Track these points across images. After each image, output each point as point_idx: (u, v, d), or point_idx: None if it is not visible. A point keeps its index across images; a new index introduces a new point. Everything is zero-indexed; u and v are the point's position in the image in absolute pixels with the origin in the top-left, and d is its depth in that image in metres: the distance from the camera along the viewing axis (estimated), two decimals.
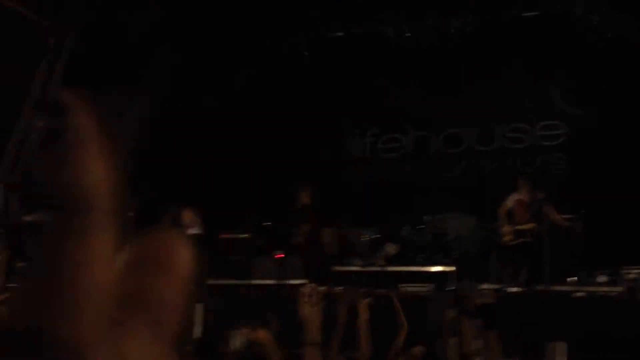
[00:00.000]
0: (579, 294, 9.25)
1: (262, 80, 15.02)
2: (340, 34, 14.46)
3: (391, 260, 11.61)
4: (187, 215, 12.38)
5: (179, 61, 13.87)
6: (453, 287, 10.57)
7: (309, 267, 11.16)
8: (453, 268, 10.97)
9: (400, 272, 11.45)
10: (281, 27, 14.23)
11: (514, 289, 9.94)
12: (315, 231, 11.20)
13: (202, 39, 13.74)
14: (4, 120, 11.52)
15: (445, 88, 14.02)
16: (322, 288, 10.77)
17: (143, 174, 13.42)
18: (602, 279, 10.00)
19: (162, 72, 13.78)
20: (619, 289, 9.36)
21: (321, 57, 14.62)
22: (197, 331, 8.40)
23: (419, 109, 14.31)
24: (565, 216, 10.59)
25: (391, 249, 11.66)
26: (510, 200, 10.66)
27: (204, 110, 14.76)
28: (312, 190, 11.47)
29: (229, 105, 15.04)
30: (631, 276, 9.18)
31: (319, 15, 14.06)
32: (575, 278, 10.21)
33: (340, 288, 10.82)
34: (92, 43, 12.10)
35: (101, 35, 12.13)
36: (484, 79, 13.77)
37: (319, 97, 14.67)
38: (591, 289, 9.65)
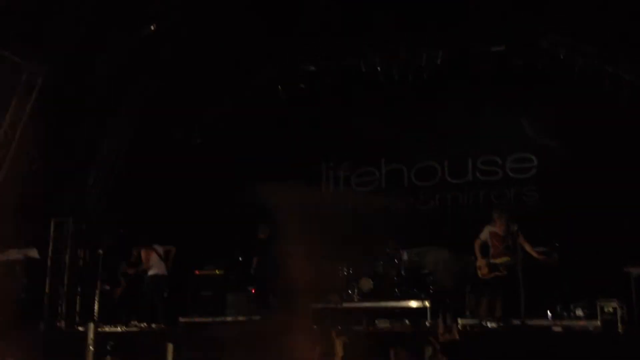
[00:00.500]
0: (556, 329, 9.24)
1: (237, 114, 15.02)
2: (312, 68, 14.54)
3: (367, 296, 11.55)
4: (151, 255, 12.14)
5: (153, 93, 13.78)
6: (427, 323, 10.54)
7: (259, 298, 11.86)
8: (428, 303, 10.91)
9: (376, 307, 11.37)
10: (255, 61, 14.25)
11: (491, 324, 9.90)
12: (265, 265, 11.78)
13: (177, 72, 13.67)
14: None
15: (417, 121, 14.12)
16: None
17: (115, 210, 13.33)
18: (578, 312, 10.02)
19: (136, 104, 13.69)
20: (596, 323, 9.36)
21: (294, 90, 14.66)
22: None
23: (392, 142, 14.38)
24: (539, 249, 10.63)
25: (366, 284, 11.59)
26: (485, 233, 10.66)
27: (178, 145, 14.70)
28: (269, 227, 12.00)
29: (204, 140, 15.04)
30: (608, 309, 9.19)
31: (292, 49, 14.14)
32: (549, 312, 10.21)
33: (316, 326, 10.77)
34: (66, 76, 12.00)
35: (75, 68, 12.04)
36: (455, 112, 13.88)
37: (292, 131, 14.70)
38: (568, 323, 9.65)
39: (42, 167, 11.78)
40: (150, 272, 12.05)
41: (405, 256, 11.90)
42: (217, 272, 12.82)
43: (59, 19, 11.51)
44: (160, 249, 12.19)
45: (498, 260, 10.23)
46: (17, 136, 11.49)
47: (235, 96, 15.11)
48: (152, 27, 11.70)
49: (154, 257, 12.14)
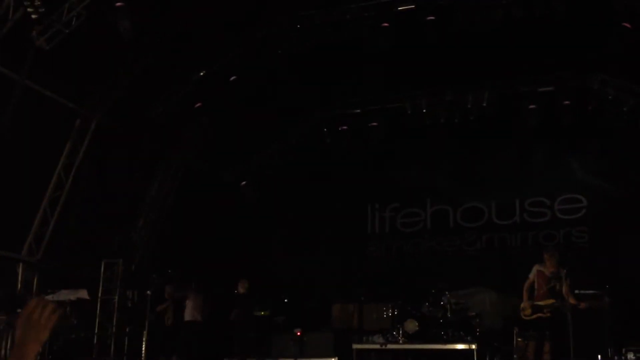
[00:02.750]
0: None
1: (283, 158, 15.23)
2: (358, 110, 14.67)
3: (412, 338, 11.38)
4: (187, 300, 12.34)
5: (202, 137, 14.09)
6: None
7: (239, 344, 12.28)
8: (475, 346, 10.68)
9: (422, 350, 11.20)
10: (301, 104, 14.46)
11: None
12: (243, 315, 12.38)
13: (225, 117, 13.96)
14: (29, 201, 11.72)
15: (464, 162, 14.12)
16: None
17: (164, 251, 13.56)
18: (630, 356, 9.69)
19: (185, 148, 14.00)
20: None
21: (340, 133, 14.79)
22: None
23: (438, 183, 14.38)
24: (590, 291, 10.38)
25: (411, 325, 11.43)
26: (533, 272, 10.40)
27: (225, 187, 14.97)
28: (248, 282, 12.52)
29: (251, 183, 15.28)
30: None
31: (337, 92, 14.34)
32: (600, 356, 9.86)
33: None
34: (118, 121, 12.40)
35: (127, 112, 12.43)
36: (502, 153, 13.83)
37: (339, 174, 14.81)
38: None
39: (93, 209, 12.12)
40: (186, 318, 12.22)
41: (451, 298, 11.69)
42: (262, 313, 12.87)
43: (113, 66, 11.99)
44: (198, 298, 12.34)
45: (542, 302, 9.94)
46: (70, 179, 11.88)
47: (282, 140, 15.32)
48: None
49: (189, 304, 12.29)
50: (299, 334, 12.09)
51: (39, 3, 10.43)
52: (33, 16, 10.29)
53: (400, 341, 11.39)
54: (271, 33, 12.67)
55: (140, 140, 12.94)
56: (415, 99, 14.17)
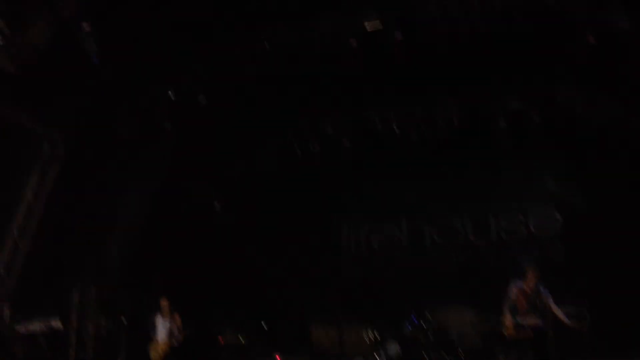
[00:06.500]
0: None
1: (255, 177, 15.09)
2: (330, 129, 14.60)
3: None
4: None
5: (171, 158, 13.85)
6: None
7: None
8: None
9: None
10: (273, 123, 14.33)
11: None
12: None
13: (194, 136, 13.76)
14: None
15: (437, 179, 14.16)
16: None
17: (137, 276, 13.28)
18: None
19: (155, 169, 13.76)
20: None
21: (312, 152, 14.71)
22: None
23: (412, 201, 14.41)
24: (568, 307, 10.40)
25: (395, 350, 11.35)
26: (512, 290, 10.35)
27: (199, 208, 14.79)
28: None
29: (224, 205, 15.10)
30: None
31: (310, 111, 14.25)
32: None
33: None
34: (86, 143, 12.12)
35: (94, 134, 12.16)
36: (474, 169, 13.90)
37: (312, 194, 14.73)
38: None
39: (65, 235, 11.81)
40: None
41: (431, 317, 11.64)
42: (241, 339, 12.67)
43: (76, 87, 11.72)
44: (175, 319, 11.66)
45: (525, 322, 9.88)
46: (39, 206, 11.56)
47: (254, 159, 15.18)
48: None
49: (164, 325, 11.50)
50: (278, 358, 11.93)
51: (3, 25, 10.18)
52: None
53: None
54: (239, 51, 12.50)
55: (110, 162, 12.69)
56: (385, 115, 14.14)
